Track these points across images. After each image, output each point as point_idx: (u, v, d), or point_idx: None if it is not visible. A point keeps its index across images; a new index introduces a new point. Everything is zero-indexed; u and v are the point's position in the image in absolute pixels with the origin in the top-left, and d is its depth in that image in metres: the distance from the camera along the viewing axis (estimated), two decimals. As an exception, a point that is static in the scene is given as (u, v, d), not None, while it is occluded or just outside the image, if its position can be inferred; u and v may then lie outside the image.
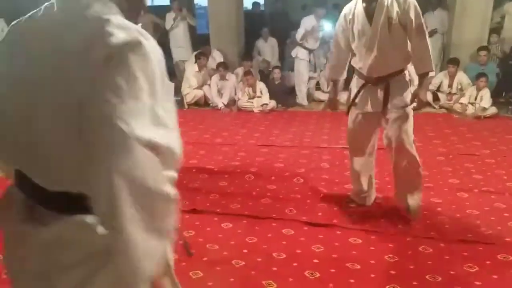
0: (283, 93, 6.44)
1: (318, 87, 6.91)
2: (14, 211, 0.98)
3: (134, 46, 0.81)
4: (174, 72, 7.56)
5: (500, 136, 4.75)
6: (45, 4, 0.94)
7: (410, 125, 2.78)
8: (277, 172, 3.81)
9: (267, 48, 7.39)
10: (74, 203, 0.88)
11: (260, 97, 6.20)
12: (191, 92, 6.54)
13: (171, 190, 0.83)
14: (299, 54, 6.44)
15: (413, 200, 2.89)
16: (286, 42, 7.58)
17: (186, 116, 6.06)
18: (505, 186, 3.45)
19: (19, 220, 0.96)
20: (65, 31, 0.86)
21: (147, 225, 0.80)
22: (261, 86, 6.25)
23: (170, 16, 7.43)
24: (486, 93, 5.56)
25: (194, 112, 6.33)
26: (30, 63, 0.89)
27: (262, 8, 9.37)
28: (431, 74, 2.71)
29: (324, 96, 6.55)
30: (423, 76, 2.65)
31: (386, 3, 2.56)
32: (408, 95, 2.71)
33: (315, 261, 2.47)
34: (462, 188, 3.41)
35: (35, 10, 0.97)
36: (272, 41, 7.42)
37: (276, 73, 6.51)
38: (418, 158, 2.82)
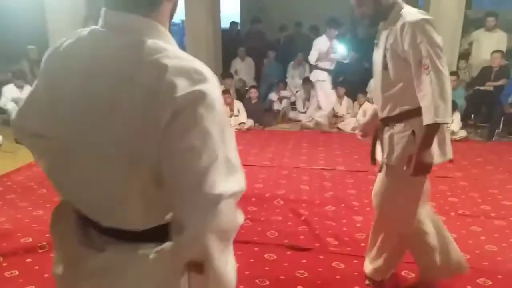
0: (260, 112, 6.45)
1: (293, 107, 6.96)
2: (71, 228, 1.00)
3: (199, 98, 0.81)
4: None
5: (470, 159, 4.89)
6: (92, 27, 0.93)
7: (402, 195, 2.06)
8: (257, 193, 3.76)
9: (244, 67, 7.43)
10: (131, 234, 0.90)
11: (238, 116, 6.17)
12: None
13: (241, 220, 0.93)
14: (320, 76, 6.29)
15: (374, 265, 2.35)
16: (263, 62, 7.64)
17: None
18: (479, 209, 3.53)
19: (76, 241, 0.98)
20: (124, 67, 0.84)
21: (226, 252, 0.90)
22: (238, 105, 6.24)
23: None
24: (456, 117, 5.75)
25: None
26: (87, 94, 0.87)
27: (239, 27, 9.45)
28: (444, 124, 1.91)
29: (300, 116, 6.61)
30: (426, 129, 1.87)
31: (387, 29, 1.97)
32: (403, 151, 2.00)
33: (299, 287, 2.41)
34: (439, 211, 3.45)
35: (79, 31, 0.95)
36: (249, 60, 7.46)
37: (253, 93, 6.52)
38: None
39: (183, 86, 0.80)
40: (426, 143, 1.88)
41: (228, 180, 0.83)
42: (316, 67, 6.31)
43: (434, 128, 1.86)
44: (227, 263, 0.91)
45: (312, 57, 6.20)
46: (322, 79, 6.28)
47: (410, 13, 1.90)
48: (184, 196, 0.82)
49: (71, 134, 0.90)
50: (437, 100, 1.80)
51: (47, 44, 7.03)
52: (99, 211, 0.92)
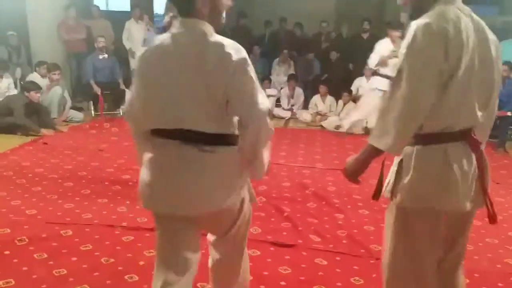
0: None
1: (278, 103, 6.98)
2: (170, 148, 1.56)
3: (244, 60, 1.49)
4: (131, 80, 7.33)
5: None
6: (173, 32, 1.54)
7: (399, 244, 1.65)
8: (240, 189, 3.76)
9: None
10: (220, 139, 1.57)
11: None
12: None
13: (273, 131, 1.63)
14: (380, 84, 5.51)
15: None
16: (249, 57, 7.61)
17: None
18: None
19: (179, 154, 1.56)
20: (201, 52, 1.48)
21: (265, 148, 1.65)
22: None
23: (129, 24, 7.22)
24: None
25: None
26: (189, 73, 1.49)
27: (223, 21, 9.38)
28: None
29: (284, 113, 6.63)
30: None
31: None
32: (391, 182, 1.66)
33: (282, 283, 2.43)
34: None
35: (162, 37, 1.57)
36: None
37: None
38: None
39: (234, 54, 1.47)
40: (359, 155, 1.58)
41: (265, 100, 1.54)
42: (376, 73, 5.81)
43: (371, 147, 1.53)
44: (266, 155, 1.65)
45: (372, 61, 5.70)
46: (382, 88, 5.45)
47: (428, 15, 1.47)
48: (246, 110, 1.51)
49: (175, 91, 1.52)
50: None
51: (26, 30, 6.84)
52: (198, 124, 1.52)
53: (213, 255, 1.86)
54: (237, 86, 1.48)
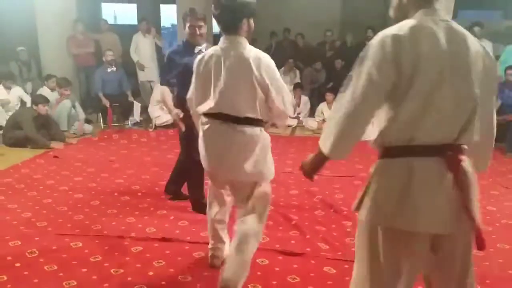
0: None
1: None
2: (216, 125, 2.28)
3: (272, 65, 2.23)
4: (139, 92, 7.42)
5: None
6: (221, 46, 2.24)
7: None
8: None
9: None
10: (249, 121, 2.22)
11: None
12: (162, 116, 6.28)
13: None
14: None
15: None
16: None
17: (149, 136, 5.94)
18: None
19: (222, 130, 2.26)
20: (245, 59, 2.16)
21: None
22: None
23: (137, 37, 7.32)
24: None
25: (158, 132, 6.19)
26: (234, 73, 2.18)
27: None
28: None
29: (290, 121, 6.64)
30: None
31: None
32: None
33: (292, 292, 2.43)
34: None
35: (212, 50, 2.27)
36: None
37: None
38: None
39: (265, 57, 2.21)
40: (314, 155, 1.58)
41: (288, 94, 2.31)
42: None
43: (319, 149, 1.52)
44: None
45: None
46: None
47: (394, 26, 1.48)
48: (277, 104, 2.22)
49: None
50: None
51: (36, 45, 6.97)
52: (240, 110, 2.20)
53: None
54: (270, 75, 2.17)
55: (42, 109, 5.36)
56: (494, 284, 2.56)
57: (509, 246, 3.05)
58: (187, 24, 3.14)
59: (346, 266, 2.70)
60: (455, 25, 1.47)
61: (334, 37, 8.46)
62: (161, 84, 3.34)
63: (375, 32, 7.66)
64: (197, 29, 3.11)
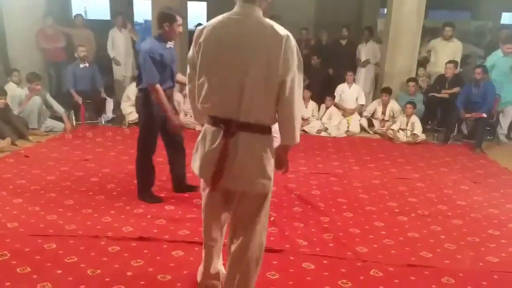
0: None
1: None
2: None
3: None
4: (112, 89, 7.25)
5: (427, 161, 5.14)
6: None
7: None
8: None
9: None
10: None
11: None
12: (134, 112, 6.20)
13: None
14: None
15: None
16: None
17: (124, 134, 5.83)
18: (437, 208, 3.72)
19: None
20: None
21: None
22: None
23: (113, 32, 7.15)
24: (416, 121, 6.01)
25: (133, 129, 6.07)
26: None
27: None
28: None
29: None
30: None
31: None
32: None
33: (271, 288, 2.44)
34: (401, 211, 3.62)
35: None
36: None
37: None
38: None
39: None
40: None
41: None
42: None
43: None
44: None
45: None
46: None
47: None
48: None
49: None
50: None
51: (4, 42, 6.71)
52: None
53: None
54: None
55: None
56: (467, 277, 2.65)
57: (479, 239, 3.17)
58: (176, 24, 3.27)
59: (325, 261, 2.75)
60: (248, 20, 1.83)
61: (309, 36, 8.52)
62: (154, 83, 3.26)
63: (349, 30, 7.82)
64: (180, 27, 3.33)
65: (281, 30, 1.80)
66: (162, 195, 3.71)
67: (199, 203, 3.52)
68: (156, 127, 3.46)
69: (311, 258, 2.78)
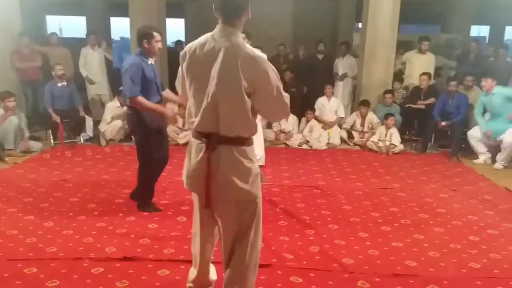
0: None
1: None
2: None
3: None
4: (89, 109, 7.15)
5: (407, 171, 5.25)
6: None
7: None
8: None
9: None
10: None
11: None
12: (107, 128, 6.20)
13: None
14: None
15: None
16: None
17: (104, 153, 5.75)
18: (419, 217, 3.78)
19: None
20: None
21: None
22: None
23: (85, 51, 7.11)
24: (395, 132, 6.15)
25: (113, 148, 5.99)
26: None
27: (184, 46, 9.43)
28: None
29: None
30: None
31: None
32: None
33: (260, 304, 2.43)
34: (384, 221, 3.67)
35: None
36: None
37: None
38: None
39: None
40: None
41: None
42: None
43: None
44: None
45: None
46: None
47: None
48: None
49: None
50: None
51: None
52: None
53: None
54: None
55: None
56: (451, 284, 2.70)
57: (460, 246, 3.23)
58: (154, 40, 3.43)
59: (312, 274, 2.75)
60: (226, 42, 1.94)
61: (287, 51, 8.65)
62: (134, 96, 3.38)
63: (325, 45, 7.97)
64: (160, 44, 3.48)
65: (256, 53, 1.92)
66: (145, 214, 3.66)
67: (183, 220, 3.53)
68: (153, 137, 3.52)
69: (299, 272, 2.77)
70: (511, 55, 8.00)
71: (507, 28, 14.30)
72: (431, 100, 6.41)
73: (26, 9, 7.96)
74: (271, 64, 1.94)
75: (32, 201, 3.93)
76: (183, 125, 6.01)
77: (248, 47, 1.93)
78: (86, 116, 6.32)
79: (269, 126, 6.78)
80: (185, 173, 2.13)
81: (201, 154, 1.99)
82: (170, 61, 7.26)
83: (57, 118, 5.94)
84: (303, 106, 6.85)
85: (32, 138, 5.98)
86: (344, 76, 7.52)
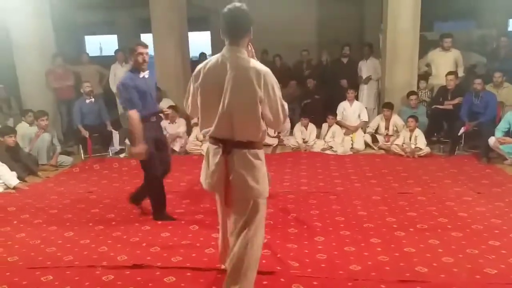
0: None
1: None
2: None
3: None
4: (119, 122, 7.46)
5: (431, 174, 5.05)
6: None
7: None
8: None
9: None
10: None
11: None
12: None
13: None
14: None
15: None
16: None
17: (130, 165, 5.97)
18: (437, 222, 3.64)
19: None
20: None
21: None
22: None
23: (115, 67, 7.44)
24: (419, 134, 5.95)
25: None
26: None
27: (206, 58, 9.64)
28: None
29: (271, 141, 6.70)
30: None
31: None
32: None
33: (259, 311, 2.43)
34: (399, 226, 3.56)
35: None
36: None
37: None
38: None
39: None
40: None
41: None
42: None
43: None
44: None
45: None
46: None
47: None
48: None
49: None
50: None
51: (16, 81, 7.04)
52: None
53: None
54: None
55: (8, 140, 5.30)
56: (460, 290, 2.58)
57: (478, 251, 3.08)
58: (136, 53, 3.51)
59: (315, 282, 2.73)
60: (233, 58, 2.22)
61: (310, 56, 8.62)
62: (131, 109, 3.49)
63: (351, 48, 7.86)
64: (145, 56, 3.53)
65: (262, 67, 2.19)
66: (159, 223, 3.77)
67: (195, 228, 3.61)
68: (151, 150, 3.58)
69: (301, 279, 2.75)
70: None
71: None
72: (459, 100, 6.15)
73: (62, 31, 8.49)
74: (274, 77, 2.20)
75: (57, 213, 4.15)
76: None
77: (253, 61, 2.19)
78: (113, 131, 6.59)
79: (292, 133, 6.79)
80: (204, 175, 2.42)
81: (218, 158, 2.27)
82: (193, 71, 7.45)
83: (85, 133, 6.24)
84: (324, 112, 6.80)
85: (65, 153, 6.32)
86: (368, 79, 7.38)
